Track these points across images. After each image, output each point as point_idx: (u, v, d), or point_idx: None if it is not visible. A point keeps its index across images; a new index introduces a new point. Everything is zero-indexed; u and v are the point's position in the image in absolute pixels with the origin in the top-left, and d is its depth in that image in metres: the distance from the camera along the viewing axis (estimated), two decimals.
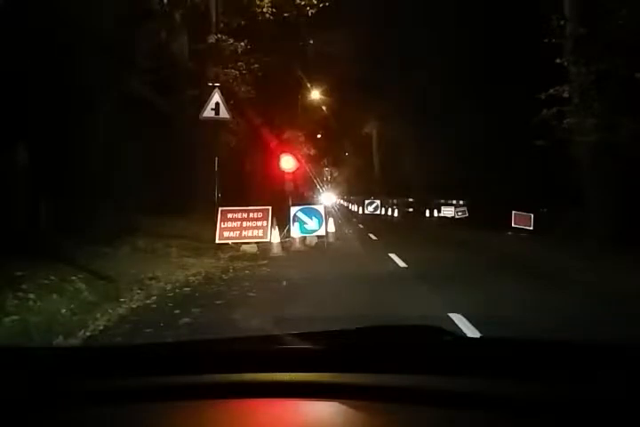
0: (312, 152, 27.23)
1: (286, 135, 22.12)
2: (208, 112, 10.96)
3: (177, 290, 6.62)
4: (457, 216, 26.01)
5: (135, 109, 11.04)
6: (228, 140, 15.70)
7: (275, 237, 10.75)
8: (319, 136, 37.33)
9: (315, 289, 6.63)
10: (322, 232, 12.12)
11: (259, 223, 10.86)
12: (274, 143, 18.52)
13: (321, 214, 12.13)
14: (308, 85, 26.57)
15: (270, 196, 16.01)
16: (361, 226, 21.24)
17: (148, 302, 5.92)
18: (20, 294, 5.18)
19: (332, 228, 13.20)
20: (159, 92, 13.39)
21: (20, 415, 1.14)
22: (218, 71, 14.58)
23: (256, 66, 16.03)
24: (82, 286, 5.95)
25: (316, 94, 28.82)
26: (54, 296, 5.36)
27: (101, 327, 4.75)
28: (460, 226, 21.15)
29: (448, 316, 4.96)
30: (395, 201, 33.99)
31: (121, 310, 5.40)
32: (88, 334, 4.54)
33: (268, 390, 1.18)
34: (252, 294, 6.37)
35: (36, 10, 8.58)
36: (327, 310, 5.44)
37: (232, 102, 13.35)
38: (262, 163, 18.80)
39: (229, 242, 10.65)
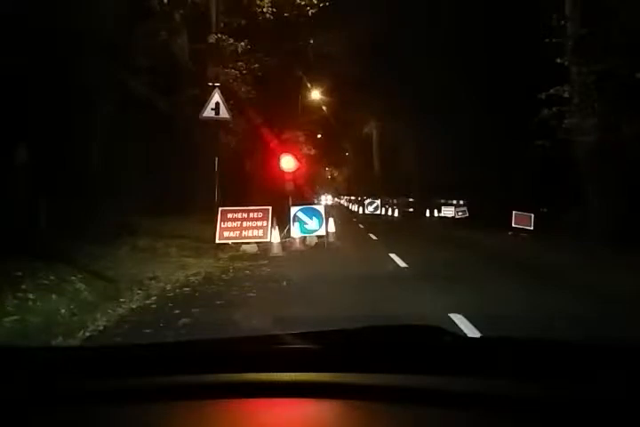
0: (312, 152, 27.18)
1: (286, 135, 22.09)
2: (208, 112, 10.94)
3: (177, 290, 6.62)
4: (457, 216, 26.01)
5: (135, 109, 11.06)
6: (228, 140, 15.70)
7: (275, 237, 10.74)
8: (319, 136, 37.32)
9: (315, 289, 6.63)
10: (322, 232, 12.11)
11: (259, 223, 10.84)
12: (274, 143, 18.49)
13: (321, 214, 12.13)
14: (308, 85, 26.60)
15: (270, 195, 15.99)
16: (361, 226, 21.24)
17: (148, 302, 5.91)
18: (20, 294, 5.18)
19: (332, 228, 13.19)
20: (159, 92, 13.40)
21: (20, 415, 1.14)
22: (218, 71, 14.59)
23: (256, 66, 16.04)
24: (81, 286, 5.96)
25: (316, 94, 28.84)
26: (54, 296, 5.37)
27: (101, 328, 4.75)
28: (461, 226, 21.14)
29: (448, 316, 4.95)
30: (395, 201, 34.01)
31: (121, 311, 5.40)
32: (87, 334, 4.53)
33: (269, 390, 1.17)
34: (252, 295, 6.36)
35: (37, 10, 8.59)
36: (327, 310, 5.43)
37: (232, 102, 13.35)
38: (262, 163, 18.77)
39: (229, 242, 10.63)
